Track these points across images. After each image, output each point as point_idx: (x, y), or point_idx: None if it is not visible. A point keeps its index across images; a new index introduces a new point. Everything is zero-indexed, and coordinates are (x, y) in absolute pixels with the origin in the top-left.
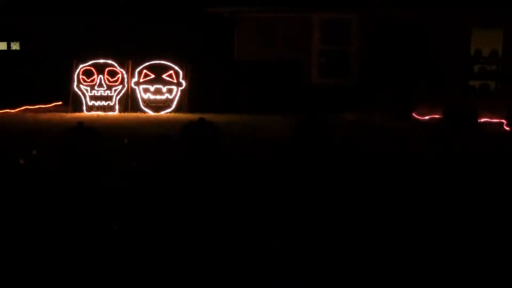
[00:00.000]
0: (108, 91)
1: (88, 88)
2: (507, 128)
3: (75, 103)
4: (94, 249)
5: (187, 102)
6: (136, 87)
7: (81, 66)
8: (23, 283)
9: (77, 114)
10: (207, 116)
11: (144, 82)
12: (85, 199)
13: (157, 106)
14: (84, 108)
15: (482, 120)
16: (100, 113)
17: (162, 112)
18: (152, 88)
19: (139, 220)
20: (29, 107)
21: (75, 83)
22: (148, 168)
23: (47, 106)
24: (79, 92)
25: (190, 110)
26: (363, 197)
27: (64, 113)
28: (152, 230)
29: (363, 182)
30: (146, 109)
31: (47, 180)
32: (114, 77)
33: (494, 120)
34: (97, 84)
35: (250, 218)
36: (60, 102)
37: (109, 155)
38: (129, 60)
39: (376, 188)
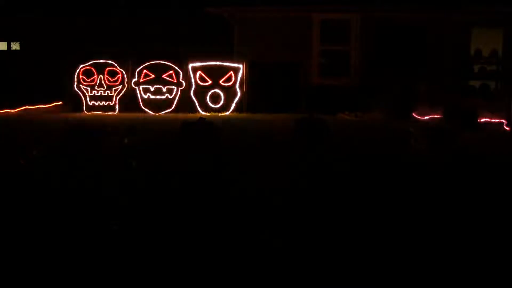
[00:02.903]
0: (108, 91)
1: (88, 88)
2: (507, 128)
3: (75, 103)
4: (94, 249)
5: (188, 102)
6: (136, 87)
7: (81, 66)
8: (23, 283)
9: (77, 114)
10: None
11: (144, 82)
12: (85, 198)
13: (157, 106)
14: (84, 108)
15: (482, 120)
16: (100, 113)
17: (162, 112)
18: (152, 88)
19: (139, 219)
20: (29, 107)
21: (75, 83)
22: (148, 168)
23: (47, 106)
24: (79, 92)
25: (190, 110)
26: (362, 196)
27: (64, 113)
28: (151, 229)
29: (362, 181)
30: (146, 109)
31: (47, 180)
32: (114, 77)
33: (494, 120)
34: (97, 84)
35: (245, 217)
36: (60, 102)
37: (109, 155)
38: (129, 60)
39: (376, 187)
